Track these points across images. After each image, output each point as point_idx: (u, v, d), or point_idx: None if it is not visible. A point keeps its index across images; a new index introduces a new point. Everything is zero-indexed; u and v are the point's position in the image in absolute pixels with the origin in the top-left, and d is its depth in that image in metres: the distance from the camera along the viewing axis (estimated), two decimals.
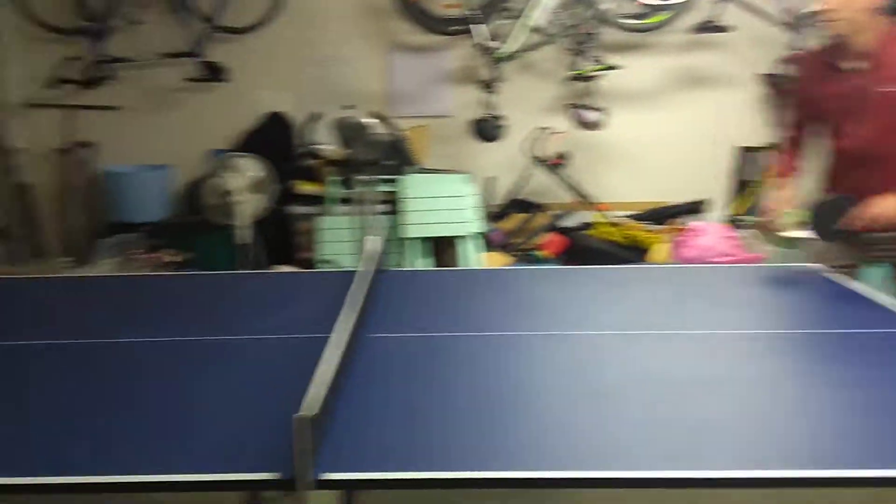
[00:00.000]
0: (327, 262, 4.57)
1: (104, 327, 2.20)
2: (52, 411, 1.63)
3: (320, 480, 1.30)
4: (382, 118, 4.05)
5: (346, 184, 4.00)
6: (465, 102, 5.24)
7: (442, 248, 4.86)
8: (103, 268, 4.62)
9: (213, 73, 5.22)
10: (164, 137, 5.40)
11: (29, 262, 5.25)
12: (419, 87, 5.36)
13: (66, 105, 5.36)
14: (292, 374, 1.81)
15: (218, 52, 5.28)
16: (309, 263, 4.83)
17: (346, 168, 3.94)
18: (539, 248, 4.93)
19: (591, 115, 5.08)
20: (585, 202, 5.15)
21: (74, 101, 5.36)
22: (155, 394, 1.72)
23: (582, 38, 5.01)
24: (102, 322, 2.28)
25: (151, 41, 5.27)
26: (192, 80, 5.26)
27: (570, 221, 5.15)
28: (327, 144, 4.75)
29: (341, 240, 4.63)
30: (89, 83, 5.29)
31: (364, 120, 3.98)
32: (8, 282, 3.00)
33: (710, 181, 5.31)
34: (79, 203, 5.48)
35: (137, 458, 1.40)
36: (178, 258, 4.70)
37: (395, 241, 4.71)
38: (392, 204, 4.85)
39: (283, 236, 5.06)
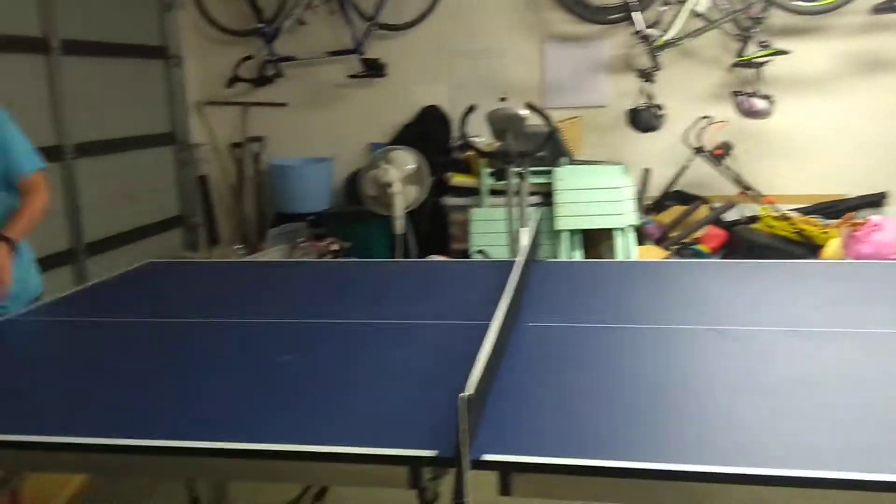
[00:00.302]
0: (480, 252, 4.63)
1: (274, 308, 2.34)
2: (224, 383, 1.75)
3: (480, 461, 1.32)
4: (536, 109, 4.04)
5: (500, 175, 4.03)
6: (620, 92, 5.14)
7: (595, 240, 4.80)
8: (272, 255, 4.91)
9: (373, 69, 5.40)
10: (327, 131, 5.66)
11: (206, 248, 5.68)
12: (574, 78, 5.30)
13: (239, 102, 5.74)
14: (451, 359, 1.86)
15: (378, 49, 5.47)
16: (462, 254, 4.91)
17: (500, 160, 3.96)
18: (698, 241, 4.75)
19: (757, 104, 4.82)
20: (750, 194, 4.91)
21: (246, 99, 5.73)
22: (321, 371, 1.81)
23: (748, 21, 4.77)
24: (272, 304, 2.42)
25: (316, 40, 5.53)
26: (353, 76, 5.47)
27: (732, 215, 4.92)
28: (481, 136, 4.80)
29: (494, 231, 4.67)
30: (260, 81, 5.63)
31: (518, 111, 3.99)
32: (187, 265, 3.25)
33: (891, 173, 4.90)
34: (250, 194, 5.86)
35: (304, 430, 1.48)
36: (341, 246, 4.91)
37: (548, 233, 4.69)
38: (545, 196, 4.83)
39: (436, 227, 5.18)
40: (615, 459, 1.33)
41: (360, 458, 1.37)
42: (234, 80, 5.61)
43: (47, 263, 4.13)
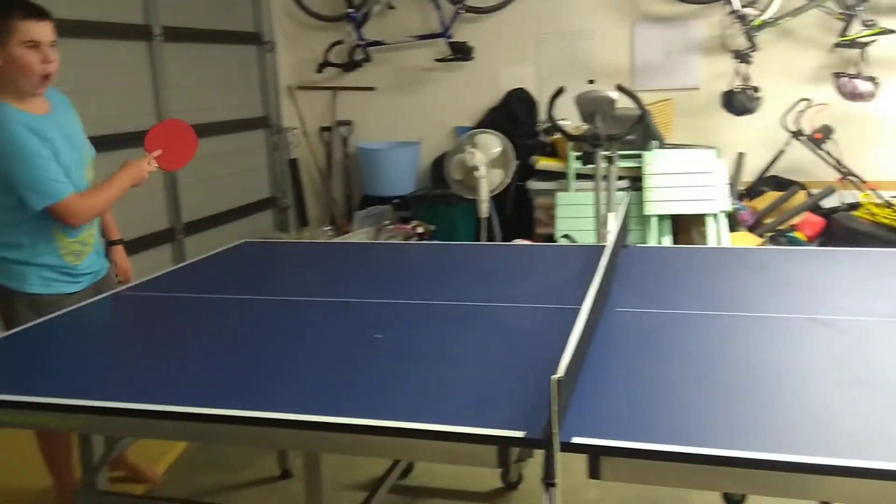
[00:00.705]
0: (566, 237, 4.59)
1: (363, 289, 2.39)
2: (316, 360, 1.80)
3: (570, 443, 1.32)
4: (627, 91, 3.96)
5: (587, 159, 3.97)
6: (714, 74, 4.98)
7: (685, 226, 4.69)
8: (359, 236, 5.00)
9: (460, 52, 5.40)
10: (413, 115, 5.70)
11: (296, 229, 5.82)
12: (665, 59, 5.17)
13: (329, 87, 5.84)
14: (538, 341, 1.86)
15: (465, 32, 5.46)
16: (547, 239, 4.88)
17: (588, 143, 3.90)
18: (794, 228, 4.58)
19: (860, 86, 4.60)
20: (851, 180, 4.70)
21: (335, 83, 5.82)
22: (411, 350, 1.84)
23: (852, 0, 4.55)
24: (361, 284, 2.47)
25: (404, 24, 5.57)
26: (440, 60, 5.49)
27: (831, 201, 4.72)
28: (568, 120, 4.74)
29: (580, 216, 4.62)
30: (349, 66, 5.71)
31: (607, 94, 3.92)
32: (279, 245, 3.34)
33: None
34: (338, 177, 5.97)
35: (393, 407, 1.51)
36: (426, 229, 4.95)
37: (637, 219, 4.61)
38: (633, 180, 4.75)
39: (521, 211, 5.16)
40: (707, 447, 1.31)
41: (449, 436, 1.39)
42: (323, 64, 5.72)
43: (149, 242, 4.34)
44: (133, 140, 4.27)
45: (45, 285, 2.36)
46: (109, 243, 2.70)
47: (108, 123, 3.97)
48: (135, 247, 4.17)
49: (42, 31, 2.25)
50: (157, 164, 2.50)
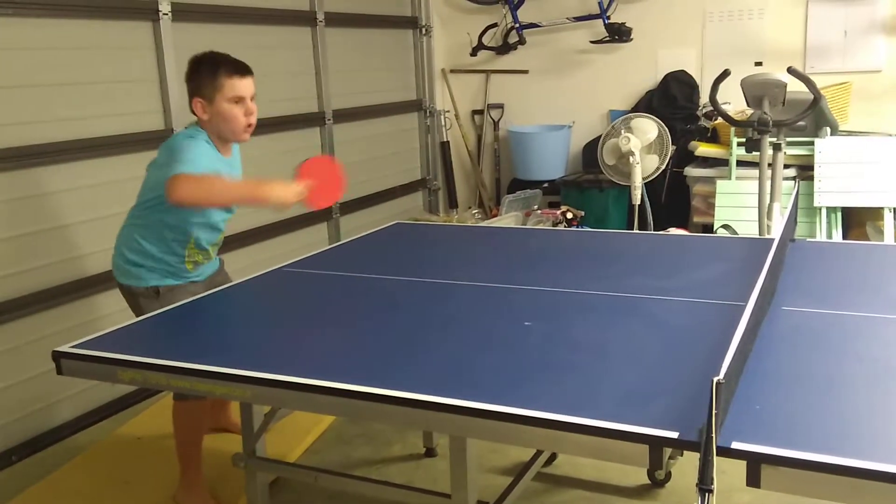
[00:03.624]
0: (726, 228, 4.37)
1: (512, 274, 2.38)
2: (466, 343, 1.81)
3: (729, 448, 1.26)
4: (799, 75, 3.70)
5: (752, 146, 3.75)
6: None
7: (859, 220, 4.35)
8: (507, 220, 4.99)
9: (618, 33, 5.25)
10: (566, 98, 5.62)
11: (445, 211, 5.90)
12: (843, 39, 4.79)
13: (482, 70, 5.86)
14: (694, 338, 1.78)
15: (623, 13, 5.30)
16: (704, 229, 4.67)
17: (754, 129, 3.68)
18: None
19: None
20: None
21: (489, 67, 5.83)
22: (561, 340, 1.81)
23: None
24: (510, 269, 2.46)
25: (560, 6, 5.48)
26: (596, 41, 5.36)
27: None
28: (732, 104, 4.51)
29: (742, 205, 4.39)
30: (502, 49, 5.70)
31: (777, 77, 3.68)
32: (429, 227, 3.40)
33: None
34: (488, 160, 5.99)
35: (543, 396, 1.49)
36: (575, 215, 4.88)
37: (805, 210, 4.33)
38: (802, 169, 4.46)
39: (676, 199, 4.97)
40: (880, 461, 1.20)
41: (599, 431, 1.36)
42: (478, 48, 5.73)
43: (308, 221, 4.53)
44: (299, 123, 4.50)
45: (159, 280, 2.48)
46: None
47: (272, 106, 4.17)
48: (295, 224, 4.38)
49: (245, 87, 2.42)
50: (305, 196, 2.36)
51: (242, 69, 2.43)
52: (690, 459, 1.29)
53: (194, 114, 2.43)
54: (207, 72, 2.40)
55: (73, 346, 1.88)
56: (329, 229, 4.80)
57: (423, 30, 5.68)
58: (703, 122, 5.02)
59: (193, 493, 2.56)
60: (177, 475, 2.59)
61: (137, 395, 3.45)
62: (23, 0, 2.99)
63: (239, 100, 2.40)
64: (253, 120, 2.46)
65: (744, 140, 3.86)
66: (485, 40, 5.71)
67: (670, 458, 2.51)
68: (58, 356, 1.85)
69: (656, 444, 1.32)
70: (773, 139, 3.67)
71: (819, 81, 3.87)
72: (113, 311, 3.09)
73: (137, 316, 2.35)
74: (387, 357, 1.76)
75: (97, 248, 3.18)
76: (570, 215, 4.88)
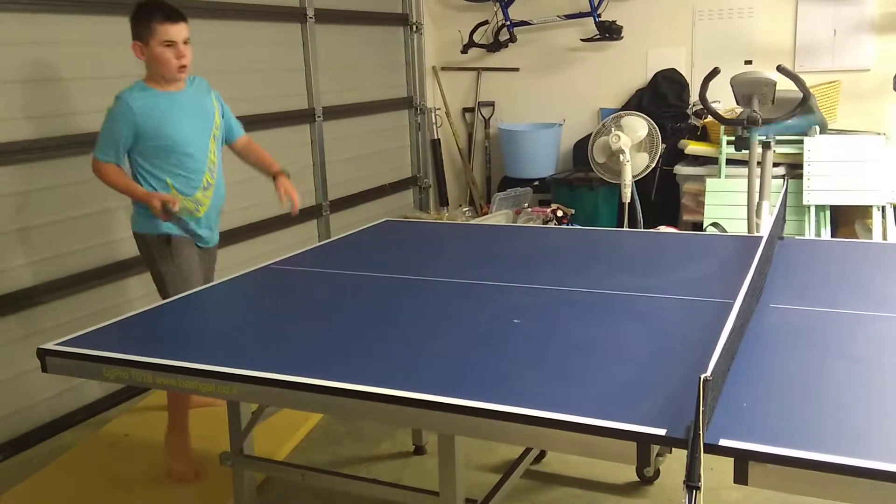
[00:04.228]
0: (715, 225, 4.38)
1: (501, 272, 2.37)
2: (454, 341, 1.81)
3: (717, 445, 1.26)
4: (788, 73, 3.71)
5: (741, 144, 3.76)
6: (888, 54, 4.60)
7: (847, 218, 4.37)
8: (497, 218, 4.99)
9: (609, 31, 5.25)
10: (557, 96, 5.62)
11: (435, 208, 5.89)
12: (832, 38, 4.81)
13: (473, 67, 5.85)
14: (682, 335, 1.78)
15: (614, 11, 5.31)
16: (694, 226, 4.68)
17: (743, 127, 3.69)
18: None
19: None
20: None
21: (479, 64, 5.82)
22: (549, 337, 1.81)
23: None
24: (500, 267, 2.45)
25: (551, 4, 5.47)
26: (587, 39, 5.36)
27: None
28: (722, 102, 4.51)
29: (731, 203, 4.40)
30: (493, 47, 5.69)
31: (767, 75, 3.69)
32: (419, 225, 3.39)
33: None
34: (478, 158, 5.98)
35: (532, 394, 1.49)
36: (565, 213, 4.88)
37: (793, 208, 4.34)
38: (790, 167, 4.47)
39: (666, 197, 4.97)
40: (866, 458, 1.21)
41: (587, 429, 1.36)
42: (468, 45, 5.72)
43: (297, 218, 4.50)
44: (289, 119, 4.48)
45: (168, 228, 2.66)
46: (273, 177, 2.88)
47: (261, 103, 4.15)
48: (284, 222, 4.36)
49: (177, 32, 2.62)
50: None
51: (174, 16, 2.61)
52: (679, 457, 1.29)
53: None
54: (143, 17, 2.61)
55: (57, 344, 1.86)
56: (318, 227, 4.79)
57: (414, 27, 5.67)
58: (693, 121, 5.02)
59: (178, 454, 2.71)
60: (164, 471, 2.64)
61: (128, 392, 3.44)
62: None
63: (170, 44, 2.60)
64: (185, 62, 2.65)
65: (733, 138, 3.87)
66: (476, 38, 5.70)
67: (658, 455, 2.52)
68: (43, 354, 1.84)
69: (644, 441, 1.32)
70: (763, 137, 3.68)
71: (808, 80, 3.88)
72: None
73: (152, 273, 2.67)
74: (375, 354, 1.75)
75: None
76: (560, 213, 4.88)
